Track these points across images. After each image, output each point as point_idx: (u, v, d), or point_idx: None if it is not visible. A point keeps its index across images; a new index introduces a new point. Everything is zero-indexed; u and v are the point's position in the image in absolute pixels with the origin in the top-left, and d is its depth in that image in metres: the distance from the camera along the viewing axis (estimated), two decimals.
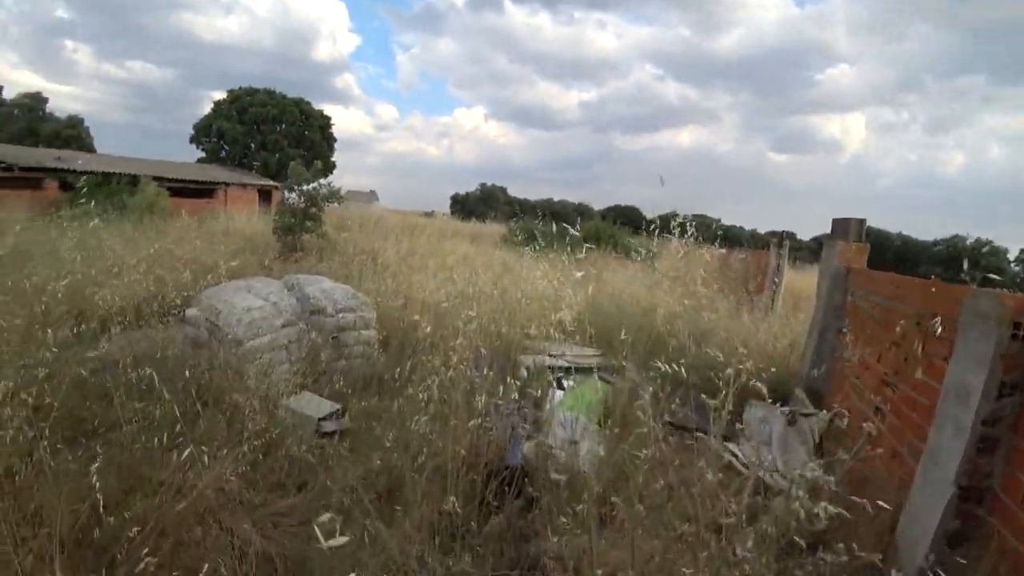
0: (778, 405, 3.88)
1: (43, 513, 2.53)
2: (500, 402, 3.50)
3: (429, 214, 34.83)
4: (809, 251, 27.29)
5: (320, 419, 3.92)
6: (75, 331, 4.69)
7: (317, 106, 34.04)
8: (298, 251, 11.76)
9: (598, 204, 58.21)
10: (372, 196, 56.66)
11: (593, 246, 14.61)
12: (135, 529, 2.52)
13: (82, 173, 19.66)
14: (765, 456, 3.29)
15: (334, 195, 13.35)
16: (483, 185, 62.01)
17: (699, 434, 2.63)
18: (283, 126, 31.99)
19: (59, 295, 4.59)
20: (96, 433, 3.43)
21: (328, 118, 34.60)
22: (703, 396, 2.31)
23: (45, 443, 2.79)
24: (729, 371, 2.07)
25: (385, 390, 4.59)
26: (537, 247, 7.10)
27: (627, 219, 28.64)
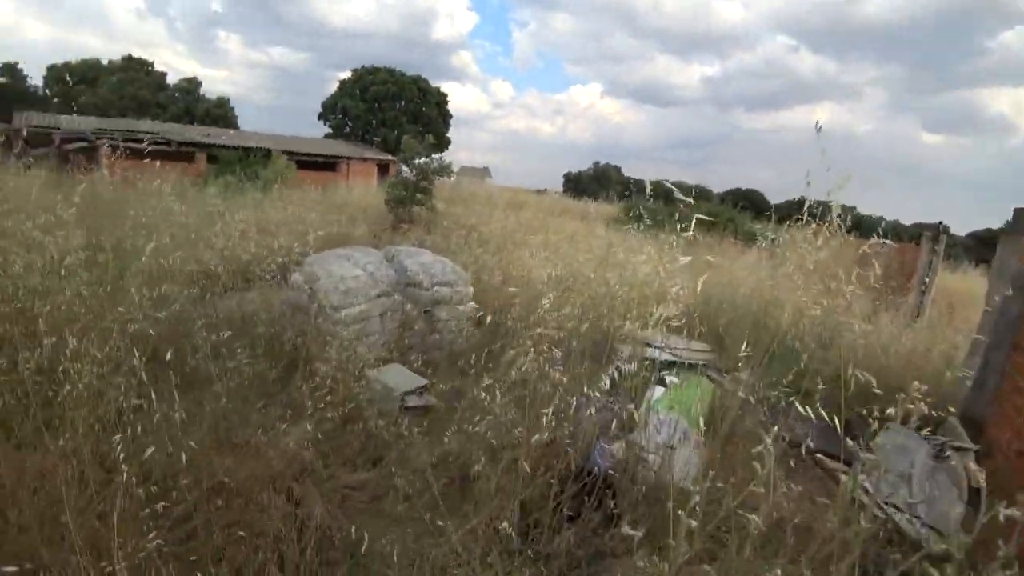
0: (924, 432, 3.23)
1: (133, 459, 2.61)
2: (590, 394, 3.17)
3: (541, 192, 34.67)
4: (964, 248, 23.75)
5: (404, 393, 3.82)
6: (200, 289, 4.96)
7: (435, 84, 34.92)
8: (407, 223, 12.01)
9: (717, 187, 54.97)
10: (485, 172, 57.51)
11: (707, 225, 13.69)
12: (211, 482, 2.55)
13: (225, 147, 21.60)
14: (902, 494, 2.71)
15: (444, 169, 13.48)
16: (596, 164, 60.74)
17: (823, 457, 2.16)
18: (402, 103, 33.11)
19: (176, 258, 4.89)
20: (198, 385, 3.52)
21: (444, 95, 35.37)
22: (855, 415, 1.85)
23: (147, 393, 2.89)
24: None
25: (473, 369, 4.45)
26: (643, 226, 6.54)
27: (749, 203, 26.58)
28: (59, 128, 19.44)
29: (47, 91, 35.70)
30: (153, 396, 2.71)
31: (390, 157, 26.44)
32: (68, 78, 35.67)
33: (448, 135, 35.96)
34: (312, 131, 41.26)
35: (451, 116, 36.33)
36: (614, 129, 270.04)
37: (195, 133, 23.28)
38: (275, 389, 3.74)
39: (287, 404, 3.48)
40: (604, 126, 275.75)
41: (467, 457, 2.78)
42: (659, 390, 3.82)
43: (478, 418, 3.11)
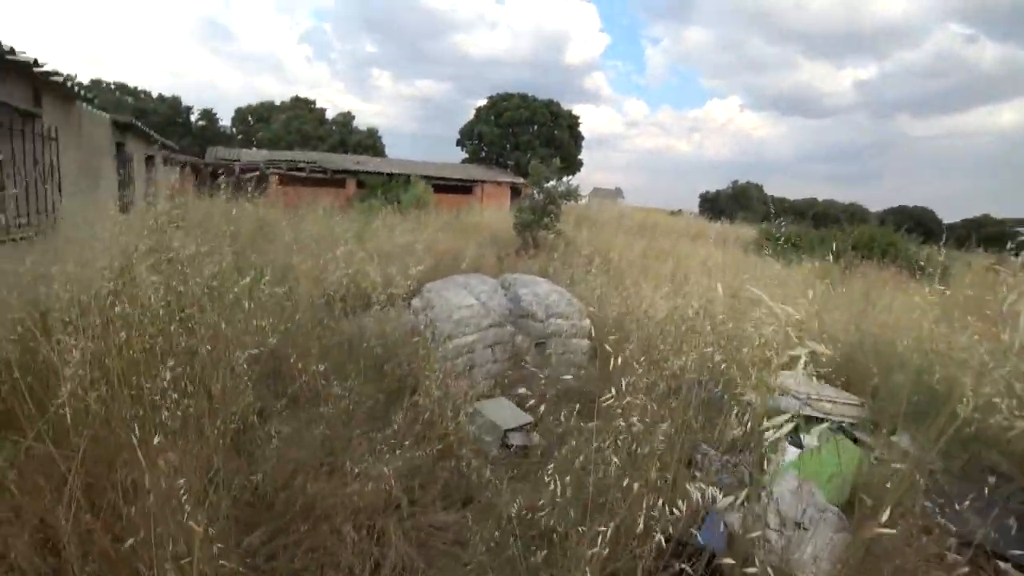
0: None
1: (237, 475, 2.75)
2: (707, 451, 2.83)
3: (675, 213, 33.44)
4: None
5: (507, 430, 3.70)
6: (325, 306, 5.26)
7: (568, 107, 35.31)
8: (533, 247, 12.08)
9: (875, 205, 49.30)
10: (617, 193, 56.84)
11: (863, 250, 12.20)
12: (300, 503, 2.61)
13: (371, 173, 23.44)
14: None
15: (571, 193, 13.40)
16: (735, 182, 57.30)
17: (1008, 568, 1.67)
18: (534, 127, 33.85)
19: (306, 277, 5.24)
20: (308, 404, 3.64)
21: (576, 117, 35.63)
22: None
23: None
24: None
25: (584, 409, 4.23)
26: (786, 251, 5.90)
27: (915, 223, 23.42)
28: (238, 160, 22.36)
29: (234, 130, 41.47)
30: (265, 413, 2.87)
31: (522, 180, 27.04)
32: (249, 118, 41.19)
33: (580, 157, 36.16)
34: (451, 156, 43.61)
35: (583, 138, 36.51)
36: (755, 144, 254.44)
37: (347, 161, 25.51)
38: (381, 412, 3.81)
39: (388, 432, 3.51)
40: (744, 141, 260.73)
41: (559, 511, 2.58)
42: (792, 451, 3.32)
43: (578, 464, 2.90)
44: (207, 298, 3.92)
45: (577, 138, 35.80)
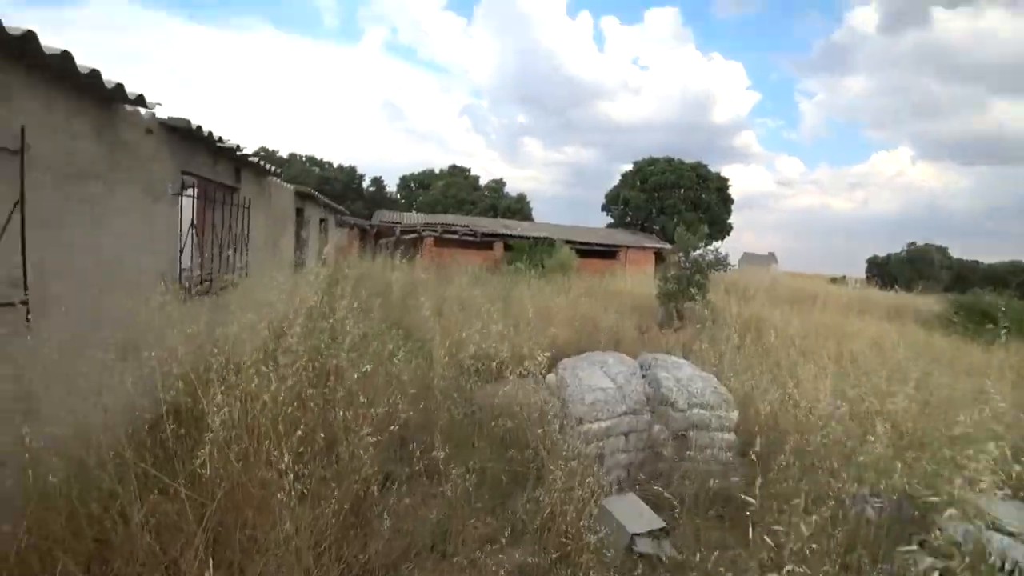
0: None
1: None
2: None
3: (837, 280, 30.24)
4: None
5: (635, 535, 3.36)
6: (461, 373, 5.32)
7: (716, 167, 34.38)
8: (678, 319, 11.51)
9: None
10: (770, 259, 53.15)
11: None
12: None
13: (518, 237, 24.30)
14: None
15: (720, 263, 12.68)
16: (911, 244, 50.01)
17: None
18: (681, 191, 33.13)
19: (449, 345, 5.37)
20: (435, 477, 3.58)
21: (725, 179, 34.32)
22: None
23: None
24: None
25: (728, 518, 3.75)
26: (987, 333, 4.98)
27: None
28: (399, 223, 24.46)
29: (398, 195, 45.83)
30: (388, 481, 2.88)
31: (667, 245, 26.39)
32: (412, 184, 45.32)
33: (729, 220, 34.57)
34: (596, 221, 44.07)
35: (732, 200, 34.95)
36: (931, 199, 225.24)
37: (496, 225, 26.76)
38: (502, 496, 3.68)
39: (509, 519, 3.36)
40: (918, 197, 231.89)
41: None
42: None
43: None
44: (349, 363, 4.15)
45: (726, 200, 34.39)
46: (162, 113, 4.32)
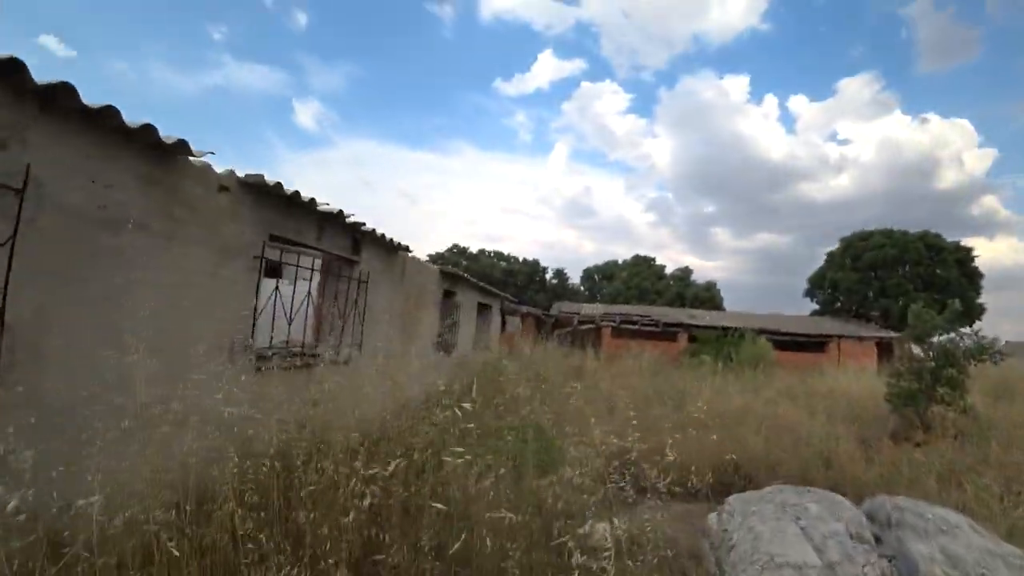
0: None
1: None
2: None
3: None
4: None
5: None
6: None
7: (950, 240, 27.91)
8: (922, 430, 8.36)
9: None
10: None
11: None
12: None
13: (704, 327, 21.78)
14: None
15: (985, 349, 9.18)
16: None
17: None
18: (906, 267, 27.29)
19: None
20: None
21: (968, 249, 27.25)
22: None
23: None
24: None
25: None
26: None
27: None
28: (578, 313, 23.66)
29: (583, 287, 45.74)
30: None
31: (894, 334, 21.55)
32: (596, 276, 45.01)
33: (979, 301, 27.41)
34: (797, 309, 38.87)
35: (981, 276, 27.76)
36: None
37: (680, 314, 24.59)
38: None
39: None
40: None
41: None
42: None
43: None
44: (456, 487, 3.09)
45: (971, 276, 27.35)
46: (240, 172, 3.92)
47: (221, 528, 2.44)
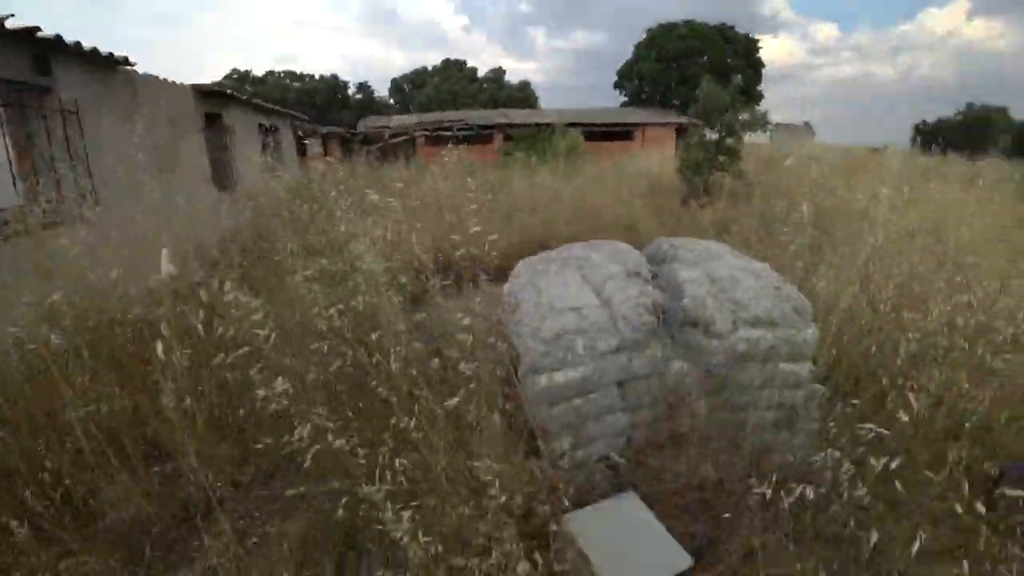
0: None
1: None
2: None
3: (878, 150, 26.64)
4: None
5: None
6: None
7: (742, 33, 29.69)
8: (706, 194, 9.29)
9: None
10: (807, 130, 48.44)
11: None
12: None
13: (519, 126, 21.63)
14: None
15: (757, 121, 10.20)
16: (969, 106, 43.84)
17: None
18: (704, 58, 28.93)
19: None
20: None
21: (754, 41, 29.48)
22: None
23: None
24: None
25: (811, 524, 1.94)
26: None
27: None
28: (388, 127, 22.01)
29: (393, 100, 42.37)
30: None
31: (691, 119, 23.39)
32: (405, 87, 41.68)
33: (760, 88, 30.46)
34: (609, 103, 40.18)
35: (763, 66, 30.56)
36: (990, 60, 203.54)
37: (494, 115, 24.01)
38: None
39: None
40: (974, 59, 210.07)
41: None
42: None
43: None
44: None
45: (756, 66, 30.06)
46: None
47: None
